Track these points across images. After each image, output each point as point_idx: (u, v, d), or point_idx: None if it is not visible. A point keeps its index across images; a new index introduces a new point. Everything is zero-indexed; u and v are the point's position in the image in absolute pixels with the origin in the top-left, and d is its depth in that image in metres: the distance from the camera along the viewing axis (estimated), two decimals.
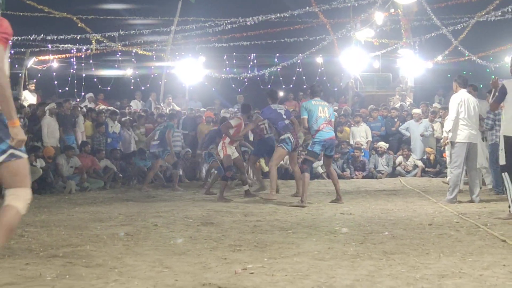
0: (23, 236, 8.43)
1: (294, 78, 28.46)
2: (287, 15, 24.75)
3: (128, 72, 29.76)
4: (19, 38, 25.09)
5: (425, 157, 19.94)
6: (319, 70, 28.26)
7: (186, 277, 5.84)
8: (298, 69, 27.95)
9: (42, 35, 24.35)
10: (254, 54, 29.23)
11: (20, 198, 5.39)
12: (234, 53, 28.85)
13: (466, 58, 25.53)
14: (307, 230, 8.90)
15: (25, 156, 5.52)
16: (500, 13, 23.34)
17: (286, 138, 13.05)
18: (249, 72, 27.87)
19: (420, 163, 19.74)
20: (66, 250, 7.33)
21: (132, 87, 28.45)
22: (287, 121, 13.69)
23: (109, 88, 28.36)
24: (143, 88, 27.71)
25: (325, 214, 10.90)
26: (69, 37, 24.73)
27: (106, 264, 6.47)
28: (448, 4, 26.38)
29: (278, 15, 24.52)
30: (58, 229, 9.19)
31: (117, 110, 21.25)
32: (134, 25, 27.20)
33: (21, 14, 24.17)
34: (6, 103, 5.44)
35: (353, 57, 25.79)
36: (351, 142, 20.72)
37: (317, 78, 28.14)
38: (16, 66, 25.73)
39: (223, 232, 8.85)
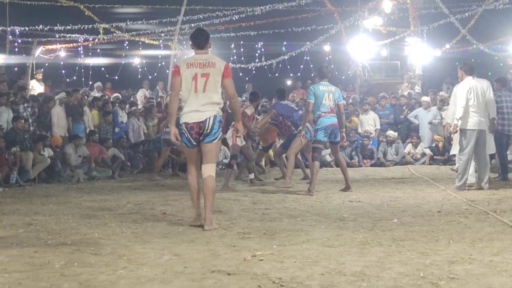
0: (31, 225, 8.44)
1: (301, 66, 28.41)
2: (295, 4, 24.69)
3: (135, 61, 29.77)
4: (26, 28, 25.13)
5: (433, 145, 19.92)
6: (327, 58, 28.13)
7: (195, 264, 5.82)
8: (305, 58, 27.86)
9: (49, 24, 24.36)
10: (262, 43, 29.11)
11: None
12: (242, 42, 28.73)
13: (474, 46, 25.39)
14: (316, 218, 8.91)
15: None
16: (508, 1, 23.26)
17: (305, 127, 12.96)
18: (257, 61, 27.79)
19: (428, 151, 19.74)
20: (75, 238, 7.33)
21: (139, 76, 28.46)
22: (300, 112, 13.86)
23: (116, 77, 28.37)
24: (150, 77, 27.70)
25: (333, 202, 10.91)
26: (76, 26, 24.72)
27: (115, 251, 6.46)
28: None
29: (285, 4, 24.46)
30: (66, 217, 9.21)
31: (125, 100, 21.29)
32: (142, 14, 27.19)
33: (28, 3, 24.20)
34: None
35: (361, 46, 25.72)
36: (360, 130, 20.70)
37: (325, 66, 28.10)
38: (24, 55, 25.76)
39: (232, 220, 8.87)
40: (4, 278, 5.29)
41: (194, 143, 8.17)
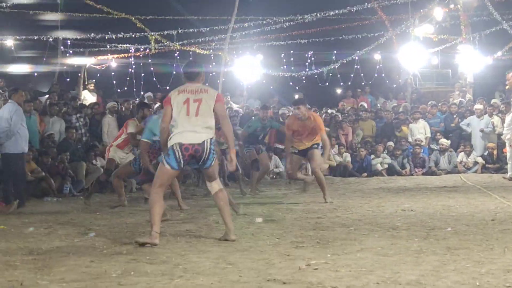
0: (86, 234, 8.59)
1: (352, 75, 28.25)
2: (346, 12, 24.54)
3: None
4: (78, 38, 25.41)
5: (485, 153, 19.70)
6: (377, 66, 27.94)
7: (250, 273, 5.86)
8: (356, 66, 27.71)
9: (100, 34, 24.60)
10: (312, 52, 28.94)
11: None
12: (292, 51, 28.61)
13: None
14: (368, 227, 8.89)
15: None
16: None
17: None
18: (307, 69, 27.69)
19: (480, 160, 19.52)
20: (130, 247, 7.45)
21: None
22: None
23: (167, 87, 28.49)
24: None
25: (386, 211, 10.87)
26: (127, 36, 24.93)
27: (170, 260, 6.54)
28: None
29: (336, 11, 24.31)
30: (121, 226, 9.39)
31: None
32: (192, 24, 27.27)
33: (80, 14, 24.45)
34: None
35: (411, 54, 25.49)
36: (410, 139, 20.53)
37: (376, 74, 27.94)
38: (75, 66, 26.06)
39: (285, 229, 8.89)
40: (62, 287, 5.43)
41: (181, 166, 8.03)
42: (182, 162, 7.88)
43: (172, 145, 7.84)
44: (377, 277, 5.53)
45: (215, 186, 8.10)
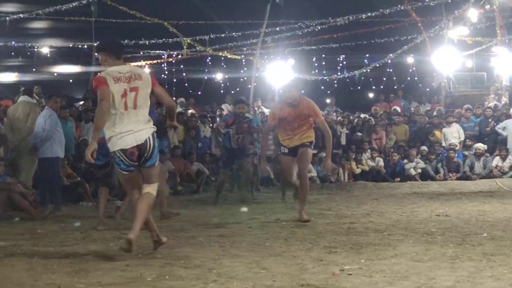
0: (121, 238, 8.62)
1: (384, 79, 28.14)
2: (378, 14, 24.40)
3: (218, 76, 30.07)
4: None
5: None
6: (410, 70, 27.84)
7: (284, 278, 5.83)
8: (388, 70, 27.62)
9: (134, 40, 24.77)
10: (344, 55, 28.91)
11: None
12: (323, 55, 28.60)
13: None
14: (402, 232, 8.78)
15: None
16: None
17: None
18: (339, 73, 27.66)
19: None
20: (164, 251, 7.45)
21: (222, 91, 28.65)
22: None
23: (199, 92, 28.65)
24: (232, 92, 27.87)
25: (420, 216, 10.74)
26: (160, 41, 25.06)
27: (204, 265, 6.54)
28: None
29: (368, 14, 24.19)
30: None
31: (206, 114, 21.56)
32: (224, 29, 27.31)
33: (114, 20, 24.62)
34: None
35: (445, 56, 25.29)
36: (444, 143, 20.35)
37: (408, 78, 27.81)
38: None
39: (317, 234, 8.82)
40: None
41: (134, 168, 7.31)
42: (132, 163, 7.24)
43: (115, 151, 7.20)
44: (412, 283, 5.48)
45: (149, 188, 7.34)
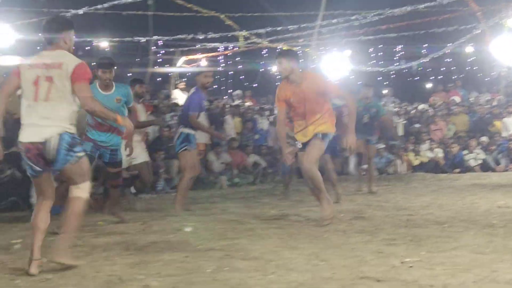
0: (180, 230, 8.71)
1: (442, 69, 27.88)
2: (436, 4, 24.01)
3: (274, 68, 30.06)
4: (170, 38, 25.73)
5: None
6: (469, 60, 27.52)
7: (342, 270, 5.81)
8: (447, 60, 27.34)
9: (191, 34, 24.85)
10: (401, 46, 28.63)
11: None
12: (381, 46, 28.33)
13: None
14: (463, 224, 8.65)
15: None
16: None
17: None
18: (396, 64, 27.43)
19: None
20: (223, 243, 7.49)
21: (277, 83, 28.52)
22: None
23: (255, 85, 28.72)
24: None
25: (480, 208, 10.55)
26: (217, 35, 25.10)
27: (263, 257, 6.55)
28: None
29: (426, 4, 23.80)
30: (213, 223, 9.43)
31: (263, 107, 21.63)
32: (280, 21, 27.13)
33: (171, 14, 24.72)
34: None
35: (505, 46, 24.86)
36: (504, 134, 20.06)
37: (467, 68, 27.49)
38: (167, 66, 26.50)
39: (376, 226, 8.76)
40: (159, 282, 5.51)
41: (39, 169, 6.13)
42: (33, 165, 6.10)
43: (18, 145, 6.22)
44: (474, 276, 5.41)
45: (75, 191, 6.26)
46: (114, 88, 8.42)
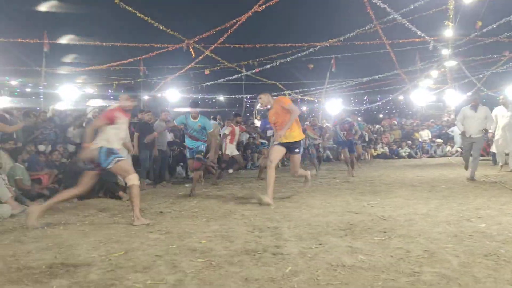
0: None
1: (388, 107, 27.01)
2: (382, 77, 22.95)
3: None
4: (252, 95, 25.52)
5: None
6: (401, 102, 26.46)
7: (338, 207, 5.53)
8: (390, 103, 26.39)
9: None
10: (366, 96, 27.48)
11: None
12: (356, 96, 27.43)
13: None
14: (399, 184, 7.99)
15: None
16: None
17: None
18: (364, 104, 26.66)
19: None
20: (297, 198, 7.18)
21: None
22: None
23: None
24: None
25: (408, 176, 9.69)
26: (274, 93, 24.62)
27: (304, 201, 6.22)
28: None
29: (379, 75, 22.89)
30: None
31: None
32: (304, 84, 26.19)
33: (253, 83, 24.61)
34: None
35: (418, 95, 24.05)
36: (420, 139, 19.27)
37: (400, 106, 26.50)
38: (251, 108, 26.54)
39: (354, 186, 8.10)
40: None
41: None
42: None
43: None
44: (404, 211, 5.14)
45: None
46: (199, 118, 7.56)
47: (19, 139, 7.80)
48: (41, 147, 8.45)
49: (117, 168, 4.89)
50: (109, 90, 22.06)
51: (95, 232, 4.44)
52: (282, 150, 6.22)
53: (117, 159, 4.88)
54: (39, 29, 18.13)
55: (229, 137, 10.35)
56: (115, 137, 4.93)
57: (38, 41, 17.62)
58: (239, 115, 11.84)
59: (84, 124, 9.72)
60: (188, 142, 7.62)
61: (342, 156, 11.18)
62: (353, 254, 3.38)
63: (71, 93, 18.64)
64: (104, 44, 18.27)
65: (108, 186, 7.30)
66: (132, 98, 5.09)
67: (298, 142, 6.18)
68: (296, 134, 6.17)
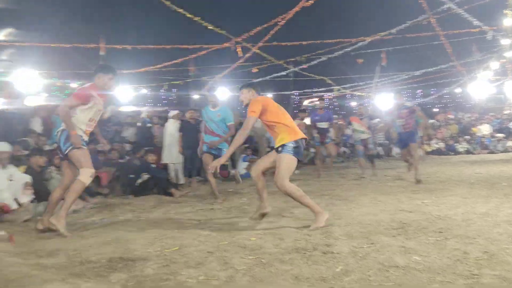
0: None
1: (443, 101, 25.92)
2: (437, 69, 21.86)
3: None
4: (300, 91, 25.29)
5: None
6: (458, 95, 25.33)
7: (390, 205, 5.39)
8: (445, 96, 25.32)
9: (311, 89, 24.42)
10: (420, 90, 26.85)
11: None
12: (409, 90, 26.65)
13: None
14: (455, 182, 7.69)
15: None
16: None
17: None
18: (417, 99, 25.77)
19: None
20: (333, 192, 7.16)
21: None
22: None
23: (344, 112, 27.86)
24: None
25: (465, 173, 9.30)
26: (322, 89, 24.45)
27: (353, 199, 6.15)
28: None
29: (434, 68, 21.72)
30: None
31: None
32: (354, 79, 25.76)
33: (303, 79, 24.44)
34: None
35: (473, 88, 22.76)
36: (478, 134, 18.34)
37: (457, 100, 25.35)
38: (300, 104, 26.38)
39: (406, 184, 7.85)
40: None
41: None
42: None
43: None
44: (462, 210, 4.95)
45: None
46: (219, 107, 6.60)
47: None
48: (100, 146, 8.82)
49: (72, 156, 4.32)
50: (161, 90, 22.75)
51: (150, 228, 4.61)
52: (271, 156, 4.64)
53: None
54: (95, 35, 19.10)
55: None
56: (83, 119, 4.37)
57: (96, 45, 18.52)
58: (304, 110, 11.20)
59: (138, 124, 10.06)
60: (205, 137, 6.65)
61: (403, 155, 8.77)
62: (407, 254, 3.29)
63: (127, 94, 19.46)
64: (155, 46, 18.89)
65: (160, 184, 7.41)
66: (113, 79, 4.50)
67: (286, 145, 4.46)
68: (283, 136, 4.49)
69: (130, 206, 6.31)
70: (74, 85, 22.16)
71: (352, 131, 10.18)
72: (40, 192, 5.67)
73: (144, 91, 20.59)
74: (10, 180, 4.81)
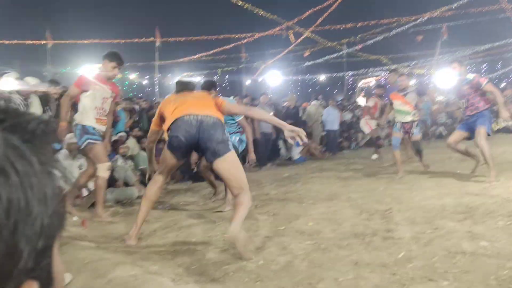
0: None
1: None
2: (502, 43, 20.26)
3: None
4: (354, 72, 23.77)
5: None
6: None
7: (455, 189, 5.11)
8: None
9: (367, 68, 23.52)
10: (485, 64, 25.01)
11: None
12: (473, 65, 24.82)
13: None
14: None
15: None
16: None
17: None
18: (482, 74, 24.17)
19: None
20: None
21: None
22: None
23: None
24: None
25: None
26: (379, 68, 23.57)
27: (410, 182, 5.95)
28: None
29: (500, 42, 20.28)
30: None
31: None
32: (413, 55, 24.40)
33: (355, 60, 23.67)
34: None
35: None
36: None
37: None
38: (354, 86, 25.64)
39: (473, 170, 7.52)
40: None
41: None
42: None
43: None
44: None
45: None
46: None
47: (143, 127, 8.31)
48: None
49: (88, 151, 4.32)
50: (215, 77, 23.14)
51: (208, 214, 4.73)
52: None
53: (90, 141, 4.27)
54: (152, 28, 19.88)
55: (371, 111, 8.70)
56: (89, 107, 4.24)
57: (152, 39, 19.32)
58: (381, 86, 9.45)
59: None
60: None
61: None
62: (474, 240, 3.14)
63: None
64: (207, 37, 19.27)
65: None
66: (117, 68, 4.33)
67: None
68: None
69: (191, 191, 6.45)
70: (132, 76, 23.21)
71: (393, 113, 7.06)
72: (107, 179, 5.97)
73: (198, 78, 21.07)
74: (81, 170, 5.12)
